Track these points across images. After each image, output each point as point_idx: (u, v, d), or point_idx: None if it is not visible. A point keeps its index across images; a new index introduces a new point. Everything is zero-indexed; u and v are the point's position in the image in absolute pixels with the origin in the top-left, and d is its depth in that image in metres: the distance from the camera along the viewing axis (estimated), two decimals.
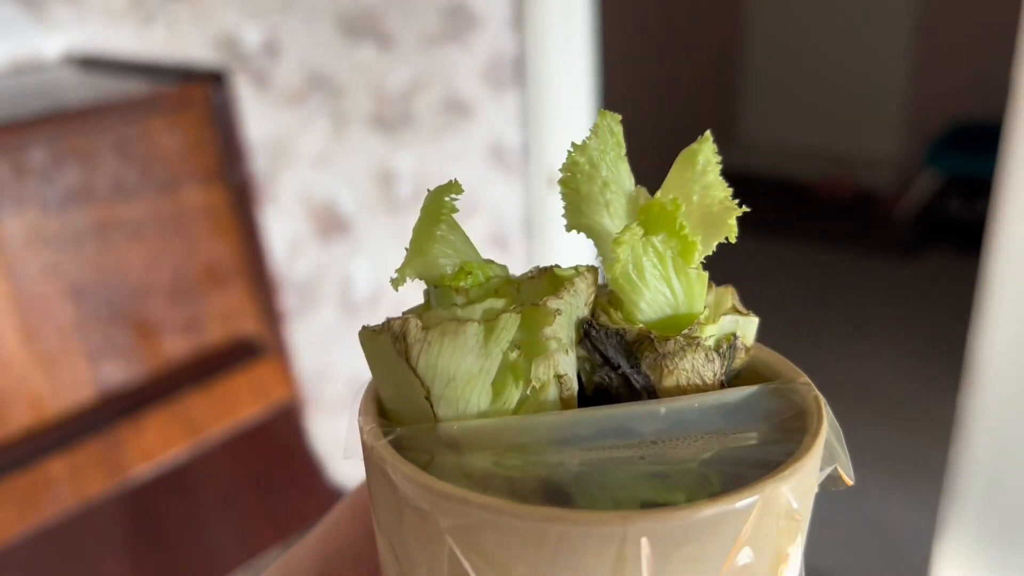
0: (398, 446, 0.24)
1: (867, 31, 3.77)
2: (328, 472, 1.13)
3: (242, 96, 1.27)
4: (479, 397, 0.24)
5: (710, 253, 0.26)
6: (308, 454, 1.08)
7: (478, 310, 0.24)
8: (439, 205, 0.25)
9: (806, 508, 0.23)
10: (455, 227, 0.26)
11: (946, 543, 1.38)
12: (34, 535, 0.86)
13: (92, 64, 1.15)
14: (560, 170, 0.27)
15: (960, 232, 3.27)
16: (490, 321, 0.23)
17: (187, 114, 1.00)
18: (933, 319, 2.79)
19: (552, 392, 0.24)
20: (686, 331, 0.25)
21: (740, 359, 0.27)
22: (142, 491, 0.95)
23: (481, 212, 1.72)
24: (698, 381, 0.25)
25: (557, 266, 0.26)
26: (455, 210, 0.26)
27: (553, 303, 0.24)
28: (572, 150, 0.27)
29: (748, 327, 0.27)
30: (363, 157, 1.49)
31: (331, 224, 1.45)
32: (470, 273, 0.26)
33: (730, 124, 4.26)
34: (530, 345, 0.24)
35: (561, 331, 0.24)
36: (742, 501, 0.21)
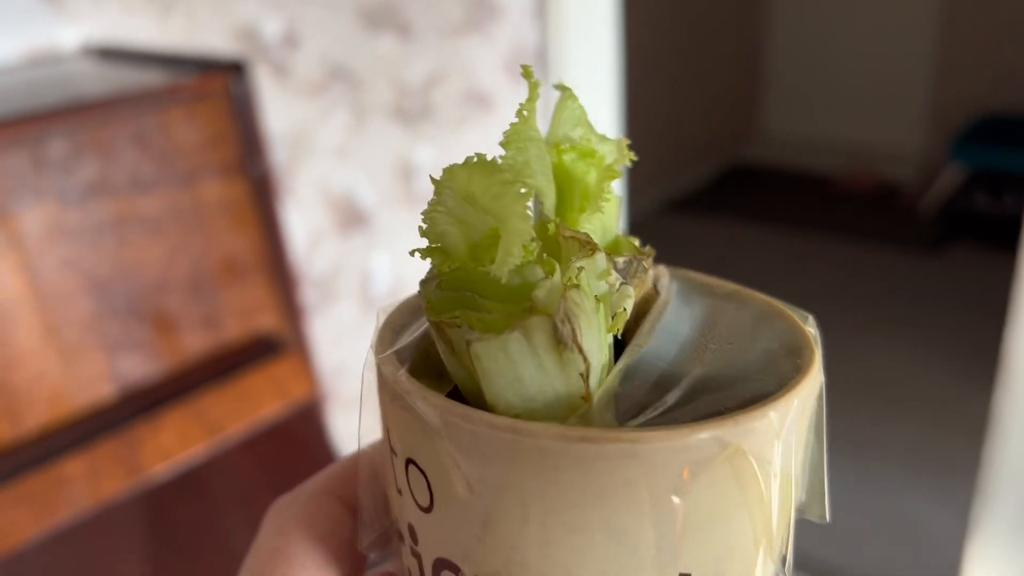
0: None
1: (891, 24, 3.71)
2: None
3: (262, 87, 1.25)
4: (599, 356, 0.23)
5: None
6: (328, 452, 1.07)
7: (561, 276, 0.22)
8: (506, 181, 0.23)
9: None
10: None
11: (977, 543, 1.35)
12: (50, 536, 0.85)
13: (110, 55, 1.13)
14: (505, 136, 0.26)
15: (985, 226, 3.22)
16: (579, 278, 0.22)
17: (206, 105, 0.98)
18: (958, 314, 2.74)
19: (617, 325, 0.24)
20: (644, 247, 0.27)
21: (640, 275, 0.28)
22: (159, 491, 0.93)
23: None
24: (647, 294, 0.27)
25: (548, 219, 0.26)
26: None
27: (600, 254, 0.23)
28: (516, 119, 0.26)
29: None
30: (383, 149, 1.47)
31: (350, 217, 1.43)
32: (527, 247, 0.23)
33: (753, 118, 4.21)
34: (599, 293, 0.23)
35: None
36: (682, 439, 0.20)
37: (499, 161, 0.24)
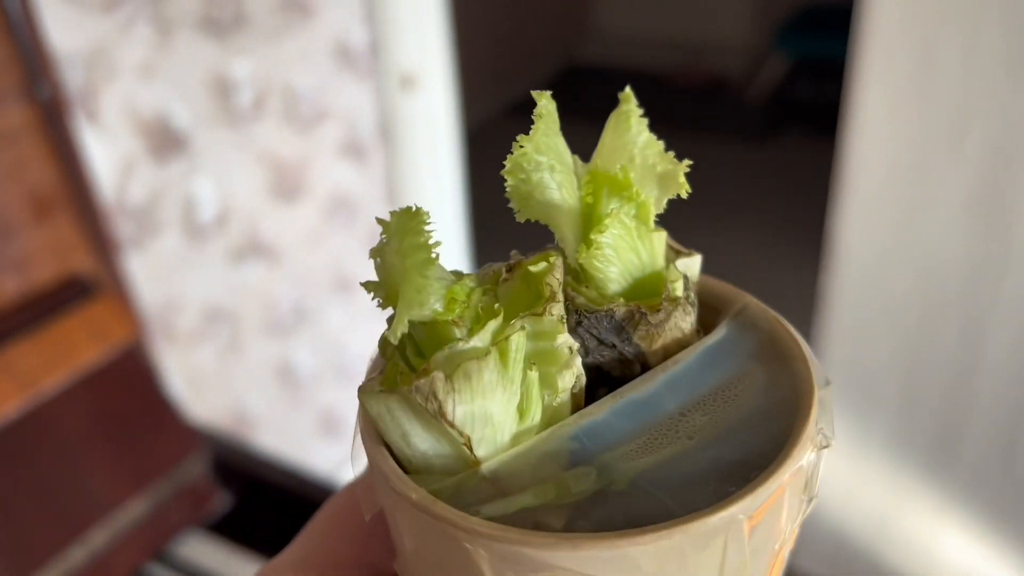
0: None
1: None
2: (185, 412, 1.05)
3: (44, 2, 1.12)
4: (510, 424, 0.23)
5: (662, 211, 0.27)
6: (160, 396, 1.00)
7: (487, 337, 0.23)
8: (418, 246, 0.23)
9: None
10: (427, 252, 0.24)
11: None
12: None
13: None
14: (508, 164, 0.25)
15: (811, 114, 3.36)
16: (501, 345, 0.22)
17: None
18: (788, 200, 2.87)
19: (564, 399, 0.24)
20: (665, 294, 0.25)
21: (693, 292, 0.27)
22: None
23: (332, 119, 1.62)
24: (679, 335, 0.26)
25: (523, 259, 0.25)
26: (438, 243, 0.24)
27: (555, 309, 0.23)
28: (522, 145, 0.25)
29: (694, 266, 0.28)
30: (194, 65, 1.35)
31: (165, 141, 1.33)
32: (456, 300, 0.24)
33: (585, 17, 4.20)
34: (548, 355, 0.23)
35: (569, 334, 0.24)
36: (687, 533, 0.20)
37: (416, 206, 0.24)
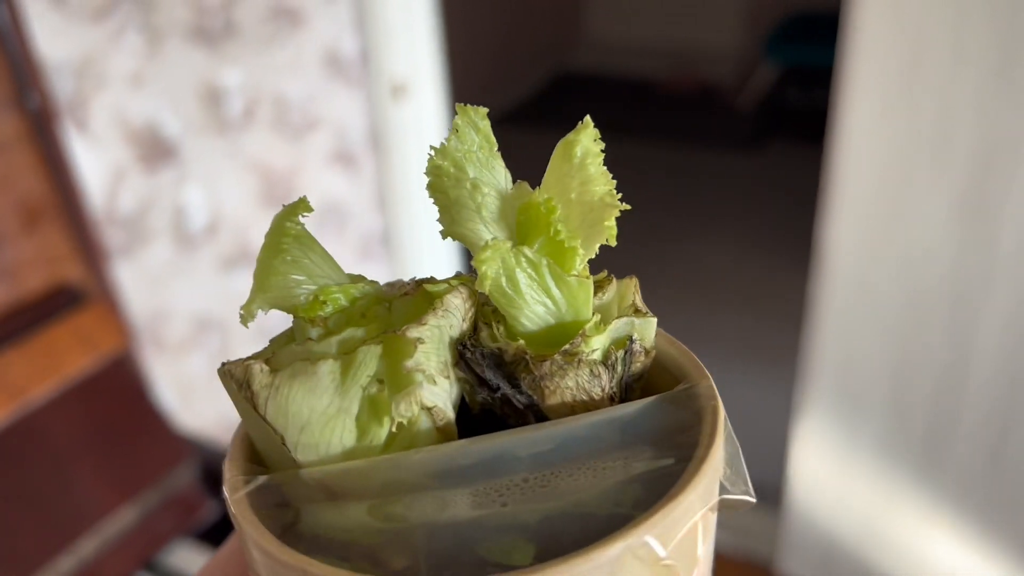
0: (264, 495, 0.22)
1: None
2: (175, 421, 1.05)
3: (32, 12, 1.12)
4: (343, 437, 0.22)
5: (592, 256, 0.24)
6: (149, 404, 1.00)
7: (334, 344, 0.22)
8: (279, 232, 0.24)
9: (684, 550, 0.21)
10: (309, 247, 0.24)
11: (802, 423, 1.43)
12: None
13: None
14: (426, 174, 0.25)
15: (800, 121, 3.37)
16: (347, 356, 0.22)
17: None
18: (778, 208, 2.88)
19: (425, 423, 0.23)
20: (565, 348, 0.23)
21: (640, 362, 0.25)
22: None
23: (323, 127, 1.62)
24: (585, 398, 0.23)
25: (431, 279, 0.25)
26: (301, 234, 0.24)
27: (413, 331, 0.22)
28: (432, 154, 0.24)
29: (646, 328, 0.25)
30: (184, 74, 1.36)
31: (155, 150, 1.33)
32: (325, 301, 0.24)
33: (577, 25, 4.21)
34: (394, 377, 0.22)
35: (427, 360, 0.22)
36: (588, 563, 0.19)
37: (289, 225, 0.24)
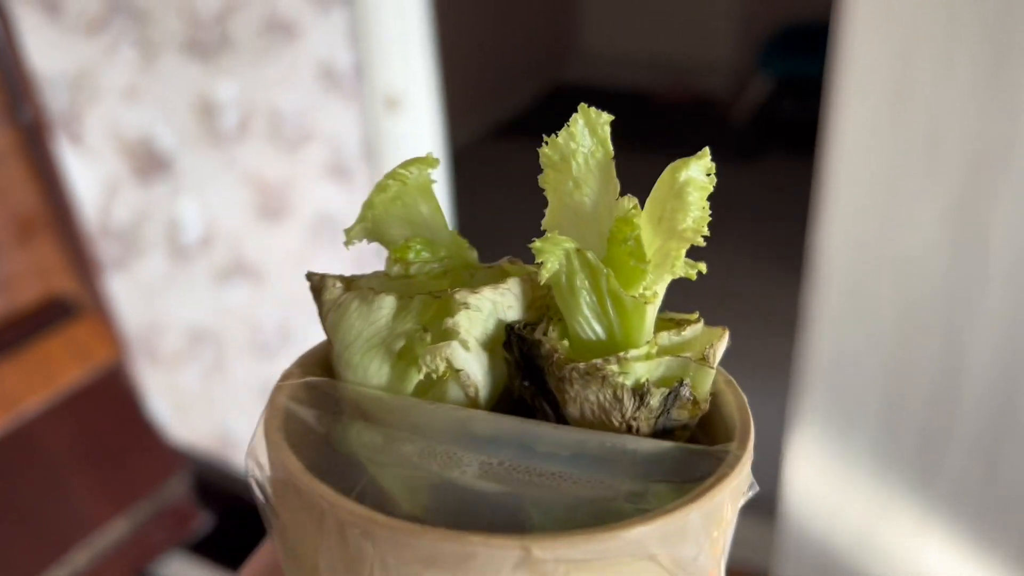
0: (306, 391, 0.24)
1: None
2: (168, 433, 1.05)
3: (27, 26, 1.13)
4: (379, 368, 0.23)
5: (664, 282, 0.24)
6: (142, 416, 1.00)
7: (405, 286, 0.24)
8: (391, 174, 0.25)
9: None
10: (423, 198, 0.26)
11: (796, 432, 1.43)
12: None
13: None
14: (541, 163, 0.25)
15: (795, 133, 3.38)
16: (406, 299, 0.23)
17: None
18: (773, 219, 2.89)
19: (454, 389, 0.23)
20: (595, 361, 0.22)
21: (686, 410, 0.24)
22: None
23: (317, 140, 1.63)
24: (604, 419, 0.23)
25: (517, 260, 0.26)
26: (423, 185, 0.25)
27: (463, 295, 0.23)
28: (546, 144, 0.25)
29: (700, 376, 0.24)
30: (178, 87, 1.36)
31: (149, 163, 1.33)
32: (413, 248, 0.25)
33: (571, 38, 4.23)
34: (435, 331, 0.23)
35: (470, 326, 0.23)
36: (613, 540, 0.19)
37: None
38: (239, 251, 1.52)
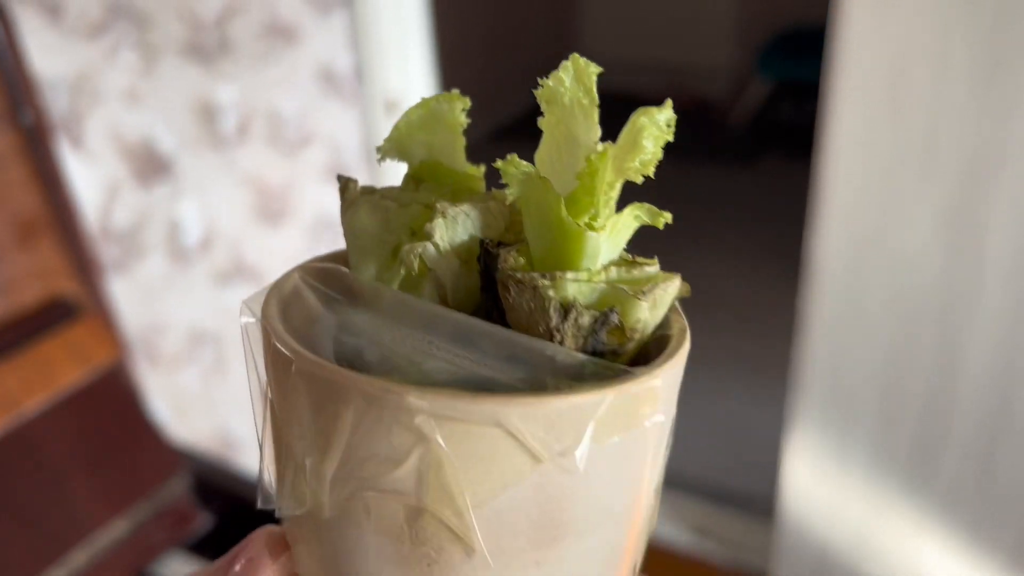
0: (318, 273, 0.28)
1: None
2: (168, 433, 1.06)
3: (28, 28, 1.14)
4: (377, 261, 0.27)
5: (601, 219, 0.26)
6: (143, 417, 1.01)
7: (410, 197, 0.27)
8: (419, 103, 0.28)
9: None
10: (448, 129, 0.28)
11: (793, 434, 1.44)
12: None
13: None
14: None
15: (793, 136, 3.39)
16: (404, 206, 0.27)
17: None
18: (771, 222, 2.90)
19: (428, 288, 0.26)
20: (532, 273, 0.25)
21: (615, 337, 0.25)
22: None
23: (317, 143, 1.63)
24: (532, 326, 0.25)
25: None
26: (453, 124, 0.28)
27: (441, 204, 0.26)
28: (540, 88, 0.27)
29: (630, 307, 0.25)
30: (179, 90, 1.37)
31: (149, 165, 1.34)
32: (427, 169, 0.28)
33: (569, 41, 4.24)
34: (419, 236, 0.26)
35: (445, 232, 0.26)
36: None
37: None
38: (239, 253, 1.52)
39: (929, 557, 1.40)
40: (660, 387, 0.24)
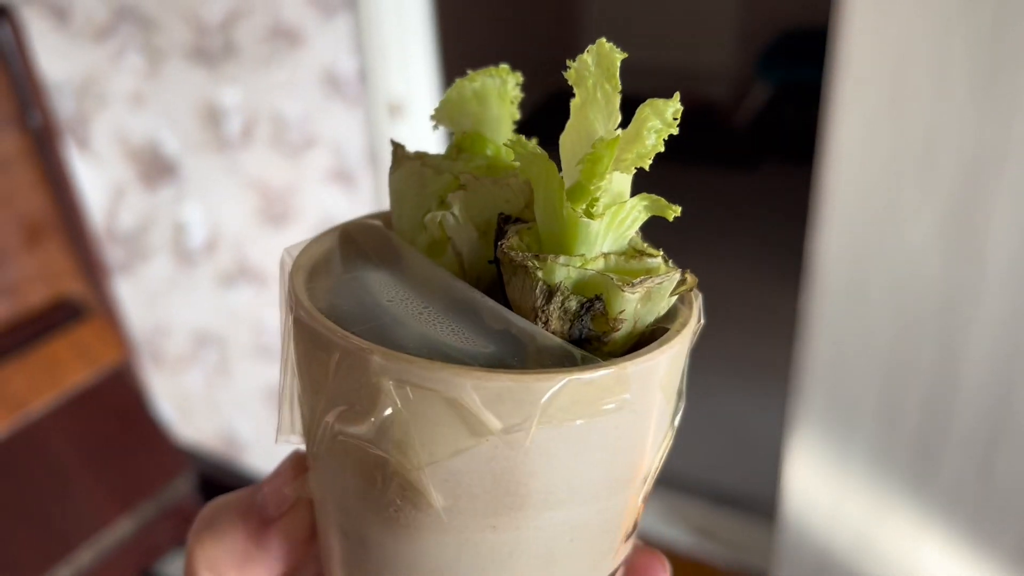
0: (361, 228, 0.29)
1: None
2: (173, 433, 1.06)
3: (36, 32, 1.15)
4: (411, 223, 0.28)
5: (600, 206, 0.26)
6: (148, 417, 1.01)
7: (448, 166, 0.28)
8: (481, 70, 0.30)
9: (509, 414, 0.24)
10: (499, 103, 0.30)
11: (795, 437, 1.44)
12: None
13: None
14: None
15: (794, 139, 3.40)
16: (439, 175, 0.28)
17: None
18: (773, 226, 2.90)
19: (450, 254, 0.27)
20: (525, 253, 0.25)
21: (599, 324, 0.26)
22: None
23: (321, 146, 1.64)
24: (522, 305, 0.26)
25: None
26: (504, 94, 0.29)
27: (464, 178, 0.27)
28: (568, 68, 0.27)
29: (615, 297, 0.25)
30: (184, 93, 1.38)
31: (155, 168, 1.35)
32: (474, 139, 0.29)
33: (572, 43, 4.25)
34: (443, 205, 0.28)
35: (466, 205, 0.27)
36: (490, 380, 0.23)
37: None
38: (243, 255, 1.53)
39: (930, 558, 1.40)
40: (629, 376, 0.25)
